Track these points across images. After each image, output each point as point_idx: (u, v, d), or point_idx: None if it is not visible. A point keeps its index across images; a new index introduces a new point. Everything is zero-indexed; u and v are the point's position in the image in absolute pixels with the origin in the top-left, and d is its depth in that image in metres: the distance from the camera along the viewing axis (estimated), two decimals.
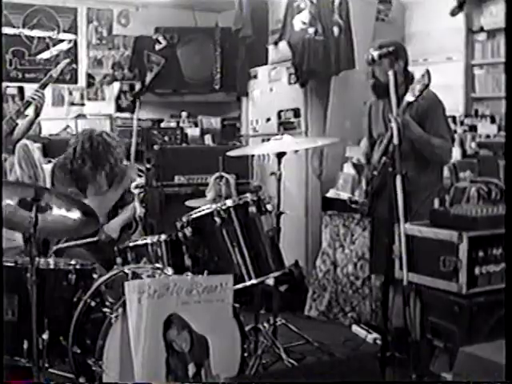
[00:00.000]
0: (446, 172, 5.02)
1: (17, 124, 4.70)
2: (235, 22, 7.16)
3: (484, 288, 3.63)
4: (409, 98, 3.92)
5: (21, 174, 6.30)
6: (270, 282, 4.69)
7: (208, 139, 7.86)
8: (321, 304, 5.79)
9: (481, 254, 3.61)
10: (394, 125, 3.76)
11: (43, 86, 4.72)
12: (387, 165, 3.81)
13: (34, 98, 4.64)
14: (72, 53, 8.09)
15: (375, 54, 4.01)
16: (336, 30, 6.10)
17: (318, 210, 6.11)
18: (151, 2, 8.16)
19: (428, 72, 3.89)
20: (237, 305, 3.61)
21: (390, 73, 3.82)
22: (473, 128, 5.91)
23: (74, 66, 4.94)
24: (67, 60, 4.88)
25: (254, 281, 3.96)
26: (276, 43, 6.74)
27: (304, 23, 6.36)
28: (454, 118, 5.89)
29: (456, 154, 5.46)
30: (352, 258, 5.59)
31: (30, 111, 4.74)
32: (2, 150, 4.55)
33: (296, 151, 5.58)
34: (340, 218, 5.72)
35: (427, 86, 3.88)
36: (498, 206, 3.83)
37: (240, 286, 3.87)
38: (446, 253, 3.61)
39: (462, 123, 5.98)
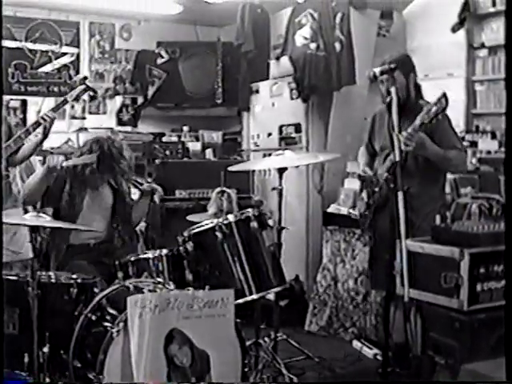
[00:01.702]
0: (447, 188, 5.02)
1: (23, 143, 4.67)
2: (237, 36, 7.19)
3: (485, 305, 3.63)
4: (423, 119, 3.92)
5: (22, 187, 6.32)
6: (271, 296, 4.68)
7: (209, 153, 7.87)
8: (321, 319, 5.78)
9: (482, 270, 3.61)
10: (395, 142, 3.77)
11: (56, 109, 4.69)
12: (389, 181, 3.82)
13: (44, 119, 4.58)
14: (74, 66, 8.14)
15: (377, 70, 4.03)
16: (337, 45, 6.12)
17: (318, 225, 6.12)
18: (153, 17, 8.18)
19: (445, 95, 3.88)
20: (238, 320, 3.61)
21: (392, 89, 3.84)
22: (474, 144, 5.92)
23: (91, 93, 4.86)
24: (83, 86, 4.79)
25: (254, 296, 3.95)
26: (278, 58, 6.78)
27: (306, 38, 6.39)
28: None
29: None
30: (353, 274, 5.59)
31: (39, 132, 4.69)
32: (1, 163, 4.53)
33: (297, 166, 5.59)
34: (341, 233, 5.72)
35: (444, 109, 3.88)
36: (499, 223, 3.82)
37: (241, 300, 3.86)
38: (447, 269, 3.61)
39: (463, 139, 5.98)
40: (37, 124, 4.60)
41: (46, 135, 4.69)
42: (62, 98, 4.80)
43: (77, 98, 4.79)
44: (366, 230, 4.93)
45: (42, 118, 4.59)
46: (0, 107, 4.45)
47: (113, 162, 4.78)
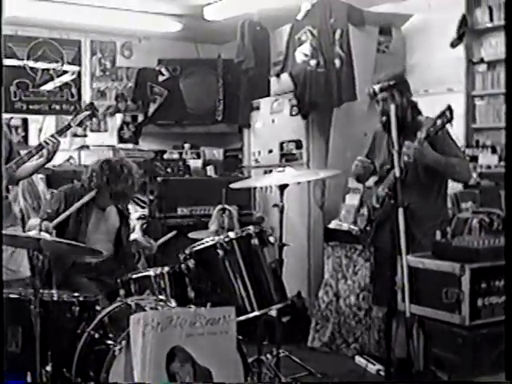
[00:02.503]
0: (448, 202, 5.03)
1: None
2: (237, 53, 7.22)
3: (487, 320, 3.64)
4: (429, 131, 3.95)
5: (24, 206, 6.34)
6: (273, 313, 4.69)
7: (210, 170, 7.90)
8: (324, 335, 5.78)
9: (483, 285, 3.62)
10: (395, 157, 3.80)
11: (59, 133, 4.65)
12: (390, 197, 3.83)
13: (47, 143, 4.55)
14: (76, 84, 8.18)
15: (376, 87, 4.05)
16: (337, 62, 6.14)
17: (320, 241, 6.12)
18: (154, 34, 8.23)
19: (450, 108, 3.92)
20: (240, 337, 3.61)
21: (392, 106, 3.86)
22: (474, 158, 5.92)
23: (94, 119, 4.83)
24: (88, 112, 4.75)
25: (256, 312, 3.95)
26: (278, 75, 6.80)
27: (306, 55, 6.41)
28: None
29: (457, 184, 5.48)
30: (355, 289, 5.58)
31: (44, 154, 4.65)
32: (2, 182, 4.52)
33: (298, 183, 5.60)
34: (342, 249, 5.72)
35: (449, 121, 3.91)
36: (499, 238, 3.83)
37: (243, 317, 3.86)
38: (448, 284, 3.62)
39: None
40: (40, 147, 4.59)
41: (49, 159, 4.66)
42: (66, 123, 4.78)
43: (81, 124, 4.78)
44: (367, 245, 4.94)
45: (45, 141, 4.58)
46: (0, 125, 4.42)
47: (123, 182, 4.78)
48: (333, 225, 5.92)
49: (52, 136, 4.62)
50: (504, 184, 4.52)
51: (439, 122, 3.91)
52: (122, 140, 8.40)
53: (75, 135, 8.12)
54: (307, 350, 5.74)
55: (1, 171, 4.40)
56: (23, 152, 4.67)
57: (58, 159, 7.60)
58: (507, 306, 3.07)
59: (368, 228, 4.58)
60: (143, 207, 6.76)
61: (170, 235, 5.42)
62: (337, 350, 5.67)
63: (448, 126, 4.06)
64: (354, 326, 5.59)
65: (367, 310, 5.48)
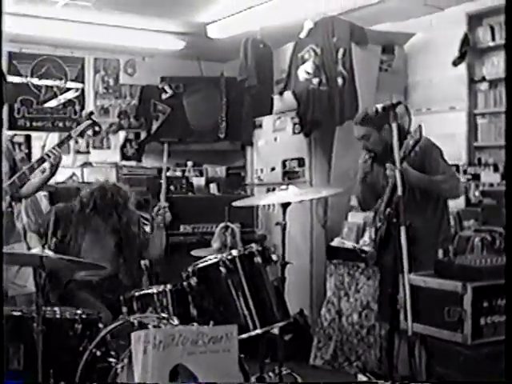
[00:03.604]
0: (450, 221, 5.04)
1: (28, 179, 4.63)
2: (240, 71, 7.24)
3: (489, 339, 3.62)
4: (403, 152, 3.99)
5: (27, 222, 6.33)
6: (276, 331, 4.68)
7: (213, 188, 7.91)
8: (326, 353, 5.77)
9: (485, 304, 3.61)
10: (397, 176, 3.81)
11: (61, 145, 4.61)
12: (391, 216, 3.84)
13: (49, 156, 4.52)
14: (79, 101, 8.21)
15: (379, 106, 4.05)
16: (340, 80, 6.17)
17: (322, 259, 6.12)
18: (157, 52, 8.26)
19: (420, 127, 3.98)
20: (242, 355, 3.61)
21: (394, 125, 3.87)
22: (476, 177, 5.94)
23: (96, 128, 4.79)
24: (89, 122, 4.73)
25: (259, 331, 3.95)
26: (281, 93, 6.83)
27: (308, 73, 6.44)
28: (457, 166, 5.92)
29: (460, 202, 5.49)
30: (357, 307, 5.58)
31: (46, 168, 4.63)
32: (2, 199, 4.51)
33: (301, 201, 5.61)
34: (345, 267, 5.72)
35: (418, 141, 3.95)
36: (502, 256, 3.83)
37: (245, 335, 3.86)
38: (450, 303, 3.61)
39: (465, 172, 6.01)
40: (42, 160, 4.55)
41: (53, 173, 4.64)
42: (67, 134, 4.73)
43: (82, 134, 4.71)
44: (370, 264, 4.95)
45: (47, 154, 4.55)
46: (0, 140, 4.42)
47: (114, 211, 4.83)
48: (335, 243, 5.93)
49: (53, 148, 4.58)
50: (505, 202, 4.56)
51: (411, 142, 3.96)
52: (124, 157, 8.41)
53: (78, 152, 8.14)
54: (309, 367, 5.73)
55: (1, 187, 4.40)
56: (25, 167, 4.64)
57: (61, 176, 7.64)
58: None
59: (373, 250, 4.59)
60: (145, 224, 6.76)
61: None
62: (339, 368, 5.66)
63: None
64: (356, 343, 5.58)
65: (369, 328, 5.48)
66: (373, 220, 4.53)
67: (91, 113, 5.15)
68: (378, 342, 5.38)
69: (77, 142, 8.00)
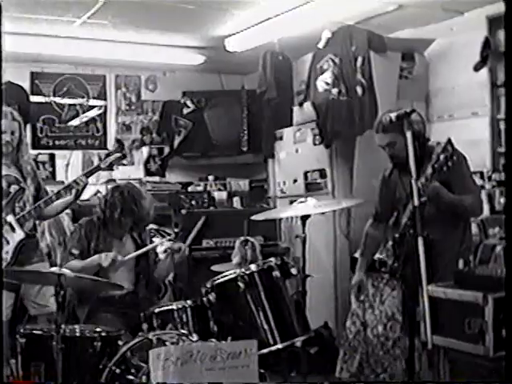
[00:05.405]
0: (474, 229, 4.96)
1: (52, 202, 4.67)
2: (259, 84, 7.25)
3: None
4: (434, 168, 3.89)
5: (51, 241, 6.38)
6: (298, 344, 4.64)
7: (236, 202, 7.90)
8: (352, 365, 5.69)
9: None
10: (414, 187, 3.75)
11: (88, 175, 4.65)
12: (409, 227, 3.79)
13: (77, 183, 4.58)
14: (101, 119, 8.25)
15: (393, 115, 4.00)
16: (359, 89, 6.12)
17: (346, 270, 6.08)
18: (178, 67, 8.29)
19: (450, 141, 3.85)
20: (262, 370, 3.58)
21: (409, 134, 3.81)
22: (501, 183, 5.85)
23: (124, 162, 4.81)
24: (118, 154, 4.75)
25: (279, 345, 3.93)
26: (300, 104, 6.81)
27: (327, 84, 6.41)
28: (481, 173, 5.85)
29: (485, 210, 5.41)
30: (382, 319, 5.51)
31: (72, 193, 4.67)
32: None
33: (322, 212, 5.58)
34: (369, 278, 5.66)
35: (452, 155, 3.85)
36: None
37: (265, 350, 3.84)
38: (471, 315, 3.54)
39: (489, 178, 5.92)
40: (69, 188, 4.61)
41: (77, 198, 4.68)
42: (96, 164, 4.84)
43: (111, 166, 4.78)
44: (394, 275, 4.89)
45: (75, 181, 4.60)
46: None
47: (133, 205, 4.83)
48: (359, 254, 5.87)
49: (82, 176, 4.63)
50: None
51: (442, 157, 3.84)
52: (148, 173, 8.44)
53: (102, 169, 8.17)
54: (335, 380, 5.67)
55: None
56: (52, 192, 4.69)
57: (85, 194, 7.65)
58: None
59: (395, 262, 4.53)
60: (171, 240, 6.77)
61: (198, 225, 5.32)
62: (365, 381, 5.60)
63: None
64: (381, 355, 5.51)
65: (395, 340, 5.41)
66: (391, 231, 4.48)
67: (122, 145, 5.17)
68: (405, 353, 5.31)
69: (100, 159, 8.04)
